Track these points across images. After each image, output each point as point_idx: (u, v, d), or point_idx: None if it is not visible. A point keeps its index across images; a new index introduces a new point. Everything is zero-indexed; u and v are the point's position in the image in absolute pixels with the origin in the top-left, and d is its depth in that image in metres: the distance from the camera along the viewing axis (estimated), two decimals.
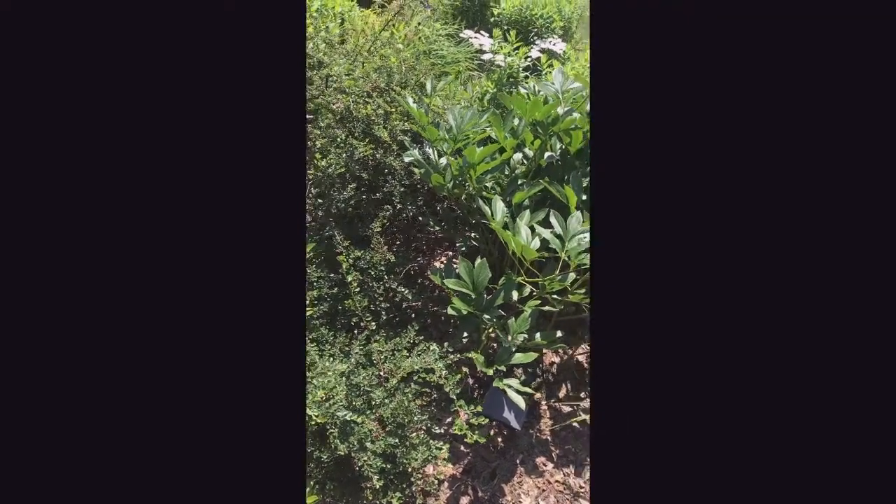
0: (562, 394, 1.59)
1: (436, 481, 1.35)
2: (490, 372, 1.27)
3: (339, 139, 1.46)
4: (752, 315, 0.54)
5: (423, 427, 1.29)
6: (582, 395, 1.59)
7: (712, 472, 0.53)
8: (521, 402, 1.22)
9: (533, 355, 1.30)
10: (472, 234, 1.68)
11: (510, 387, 1.25)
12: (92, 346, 0.51)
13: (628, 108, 0.58)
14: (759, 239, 0.54)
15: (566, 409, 1.55)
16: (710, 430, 0.53)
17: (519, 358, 1.29)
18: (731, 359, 0.54)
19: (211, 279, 0.54)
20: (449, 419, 1.53)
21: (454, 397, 1.18)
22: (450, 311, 1.36)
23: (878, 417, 0.49)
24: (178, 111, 0.54)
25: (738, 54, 0.55)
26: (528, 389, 1.26)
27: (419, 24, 2.50)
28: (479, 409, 1.21)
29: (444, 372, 1.23)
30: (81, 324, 0.51)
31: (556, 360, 1.68)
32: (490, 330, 1.46)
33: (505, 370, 1.29)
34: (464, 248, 1.61)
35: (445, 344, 1.35)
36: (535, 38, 3.13)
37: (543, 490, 1.36)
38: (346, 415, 1.18)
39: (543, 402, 1.56)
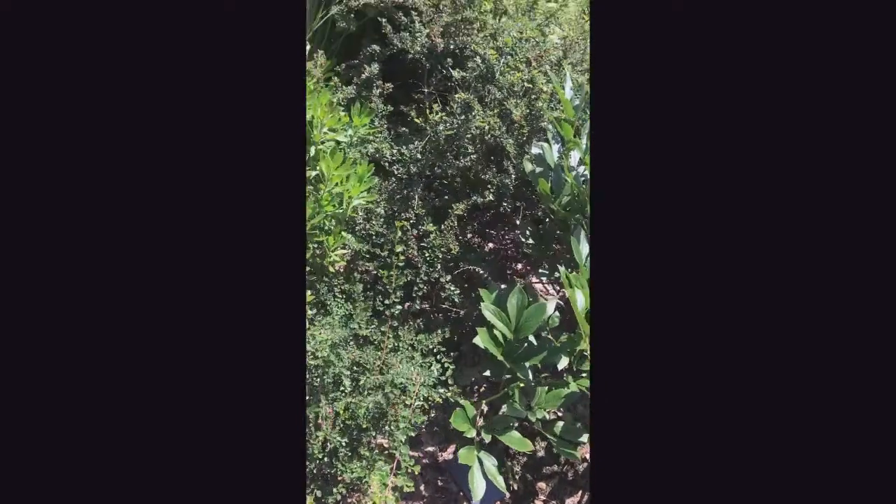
0: (571, 501, 1.25)
1: (370, 502, 1.18)
2: (470, 433, 1.01)
3: (457, 100, 1.24)
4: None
5: (386, 443, 1.11)
6: None
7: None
8: (480, 488, 0.95)
9: (528, 444, 1.00)
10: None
11: (481, 463, 0.98)
12: (81, 325, 0.51)
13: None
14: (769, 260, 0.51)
15: None
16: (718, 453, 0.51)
17: (512, 440, 1.01)
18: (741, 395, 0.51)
19: (209, 266, 0.53)
20: (432, 448, 1.31)
21: (401, 439, 0.96)
22: (475, 341, 1.12)
23: (878, 420, 0.49)
24: (178, 107, 0.54)
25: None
26: (500, 482, 0.97)
27: None
28: (414, 467, 0.98)
29: (416, 400, 1.01)
30: (73, 315, 0.50)
31: None
32: (521, 384, 1.17)
33: (489, 441, 1.02)
34: (545, 278, 1.31)
35: (451, 370, 1.12)
36: None
37: None
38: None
39: (541, 497, 1.25)
